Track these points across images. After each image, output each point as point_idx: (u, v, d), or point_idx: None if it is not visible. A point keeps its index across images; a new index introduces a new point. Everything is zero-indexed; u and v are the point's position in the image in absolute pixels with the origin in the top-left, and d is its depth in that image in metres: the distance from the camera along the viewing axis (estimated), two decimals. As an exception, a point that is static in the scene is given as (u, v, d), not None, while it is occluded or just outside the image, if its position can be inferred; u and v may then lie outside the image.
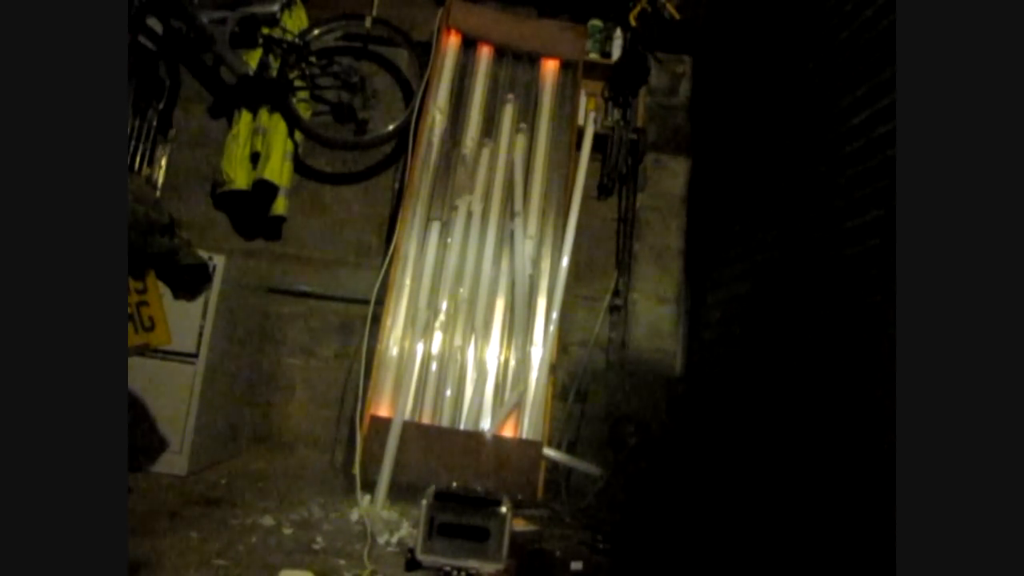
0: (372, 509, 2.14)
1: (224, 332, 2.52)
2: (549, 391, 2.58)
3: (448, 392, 2.53)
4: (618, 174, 3.24)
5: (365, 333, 2.71)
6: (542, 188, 2.90)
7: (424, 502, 1.62)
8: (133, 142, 2.97)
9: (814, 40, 2.19)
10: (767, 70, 2.59)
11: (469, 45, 3.08)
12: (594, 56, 3.25)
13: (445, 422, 2.48)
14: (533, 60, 3.11)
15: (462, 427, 2.48)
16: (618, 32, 3.26)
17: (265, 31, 2.98)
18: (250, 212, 3.09)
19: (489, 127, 2.96)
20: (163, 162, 3.14)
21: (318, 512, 2.14)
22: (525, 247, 2.74)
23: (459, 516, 1.62)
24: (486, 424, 2.49)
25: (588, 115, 3.17)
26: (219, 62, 3.05)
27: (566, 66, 3.12)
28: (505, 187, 2.87)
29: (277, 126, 2.98)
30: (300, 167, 3.19)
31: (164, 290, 1.75)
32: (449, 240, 2.73)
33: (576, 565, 1.84)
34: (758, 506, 2.13)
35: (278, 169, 2.95)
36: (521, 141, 2.97)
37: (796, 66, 2.32)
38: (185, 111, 3.20)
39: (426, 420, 2.48)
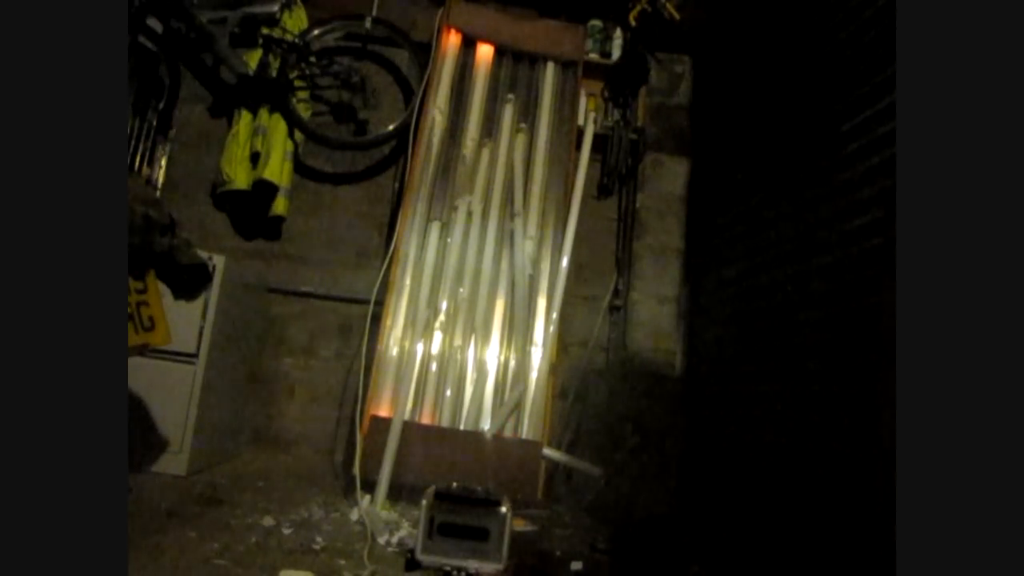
0: (372, 509, 2.14)
1: (224, 332, 2.52)
2: (549, 391, 2.58)
3: (448, 392, 2.53)
4: (618, 174, 3.24)
5: (365, 333, 2.70)
6: (542, 188, 2.90)
7: (424, 502, 1.62)
8: (133, 142, 2.97)
9: (814, 40, 2.19)
10: (767, 70, 2.59)
11: (469, 45, 3.08)
12: (594, 56, 3.26)
13: (445, 422, 2.48)
14: (533, 60, 3.11)
15: (462, 427, 2.48)
16: (618, 32, 3.26)
17: (265, 31, 2.98)
18: (250, 212, 3.09)
19: (489, 127, 2.96)
20: (163, 162, 3.14)
21: (318, 512, 2.14)
22: (525, 247, 2.74)
23: (459, 516, 1.62)
24: (486, 424, 2.49)
25: (588, 115, 3.17)
26: (219, 62, 3.05)
27: (566, 66, 3.12)
28: (505, 187, 2.87)
29: (277, 126, 2.98)
30: (300, 167, 3.19)
31: (164, 290, 1.75)
32: (449, 240, 2.73)
33: (576, 565, 1.84)
34: (758, 505, 2.13)
35: (278, 169, 2.95)
36: (521, 141, 2.97)
37: (796, 65, 2.32)
38: (185, 111, 3.20)
39: (426, 420, 2.48)
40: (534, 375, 2.60)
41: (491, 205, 2.82)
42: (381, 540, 1.91)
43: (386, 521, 2.08)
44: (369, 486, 2.24)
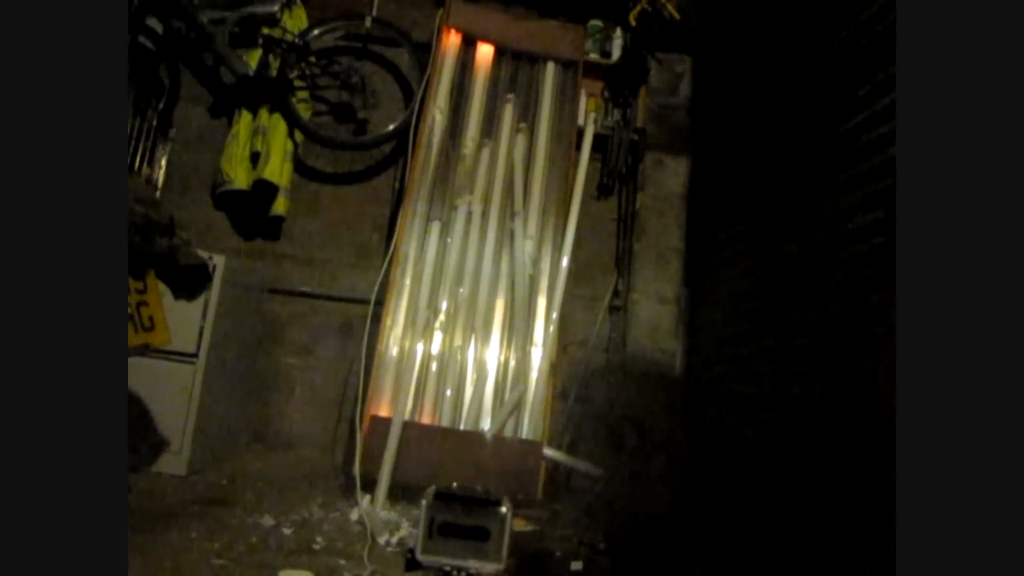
0: (372, 509, 2.14)
1: (224, 332, 2.52)
2: (549, 391, 2.58)
3: (448, 392, 2.53)
4: (618, 174, 3.24)
5: (365, 333, 2.70)
6: (542, 188, 2.90)
7: (424, 502, 1.62)
8: (133, 142, 2.97)
9: (814, 39, 2.19)
10: (767, 69, 2.59)
11: (469, 45, 3.08)
12: (594, 56, 3.25)
13: (445, 422, 2.48)
14: (533, 60, 3.11)
15: (462, 427, 2.48)
16: (618, 32, 3.26)
17: (265, 31, 2.98)
18: (250, 212, 3.09)
19: (489, 127, 2.96)
20: (163, 162, 3.14)
21: (318, 512, 2.14)
22: (525, 247, 2.74)
23: (459, 516, 1.62)
24: (486, 424, 2.49)
25: (588, 115, 3.17)
26: (219, 62, 3.05)
27: (566, 66, 3.12)
28: (505, 187, 2.87)
29: (277, 126, 2.98)
30: (300, 167, 3.19)
31: (164, 290, 1.75)
32: (449, 240, 2.73)
33: (576, 565, 1.84)
34: (761, 506, 2.13)
35: (278, 169, 2.95)
36: (521, 141, 2.96)
37: (796, 65, 2.32)
38: (185, 111, 3.20)
39: (426, 420, 2.48)
40: (534, 375, 2.60)
41: (491, 205, 2.82)
42: (381, 540, 1.91)
43: (386, 521, 2.09)
44: (369, 486, 2.24)
